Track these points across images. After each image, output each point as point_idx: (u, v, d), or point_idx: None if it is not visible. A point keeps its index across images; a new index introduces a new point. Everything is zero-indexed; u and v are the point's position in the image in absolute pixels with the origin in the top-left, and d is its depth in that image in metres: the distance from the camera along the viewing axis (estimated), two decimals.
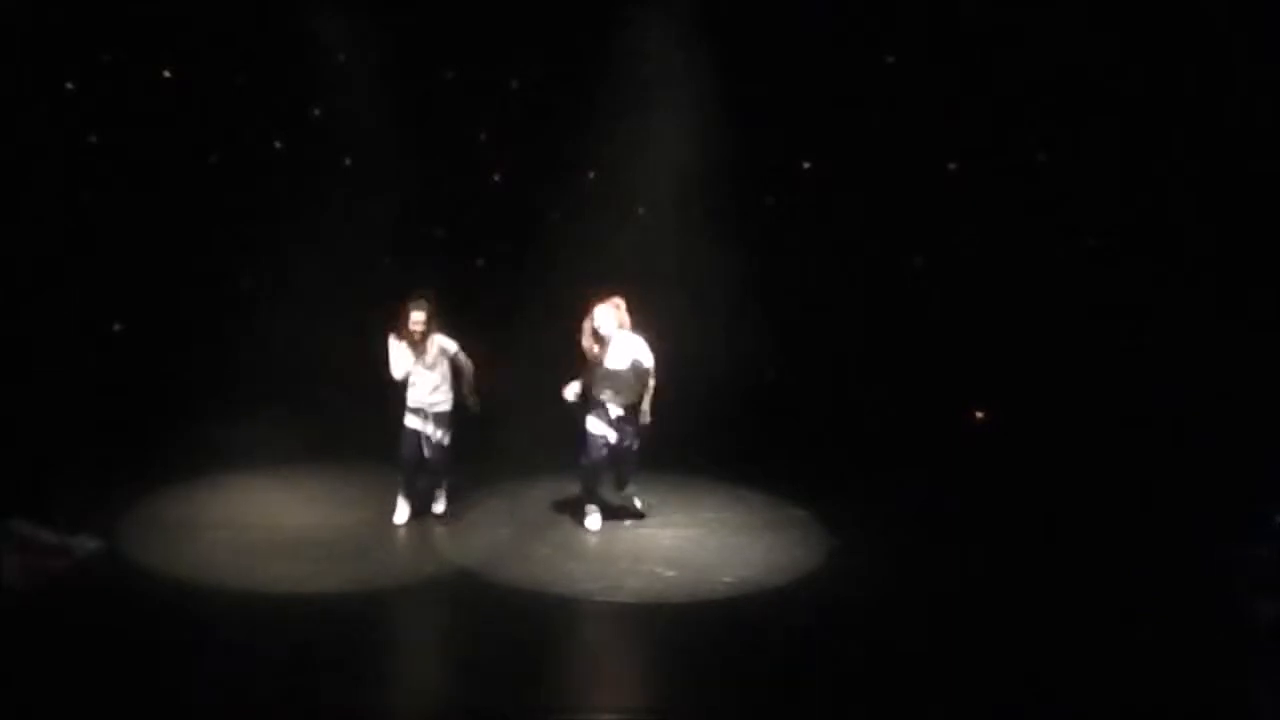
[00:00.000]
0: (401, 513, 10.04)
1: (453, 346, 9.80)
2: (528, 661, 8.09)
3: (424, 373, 9.78)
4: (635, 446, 9.96)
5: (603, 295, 9.75)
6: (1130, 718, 7.64)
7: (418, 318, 9.61)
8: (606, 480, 10.13)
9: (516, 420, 11.29)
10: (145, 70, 11.72)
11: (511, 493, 10.75)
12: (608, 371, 9.72)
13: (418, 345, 9.70)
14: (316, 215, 11.77)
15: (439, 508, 10.16)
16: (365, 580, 9.09)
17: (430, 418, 9.84)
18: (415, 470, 9.97)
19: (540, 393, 11.28)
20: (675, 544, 9.88)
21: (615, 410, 9.84)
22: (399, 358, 9.72)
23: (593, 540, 9.93)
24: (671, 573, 9.45)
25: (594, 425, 9.86)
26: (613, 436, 9.86)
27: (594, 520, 10.05)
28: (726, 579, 9.32)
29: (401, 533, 9.80)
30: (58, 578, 8.89)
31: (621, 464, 10.03)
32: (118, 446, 10.75)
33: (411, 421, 9.86)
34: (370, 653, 8.14)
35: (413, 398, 9.83)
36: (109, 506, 9.92)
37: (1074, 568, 9.37)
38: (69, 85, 11.60)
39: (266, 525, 9.89)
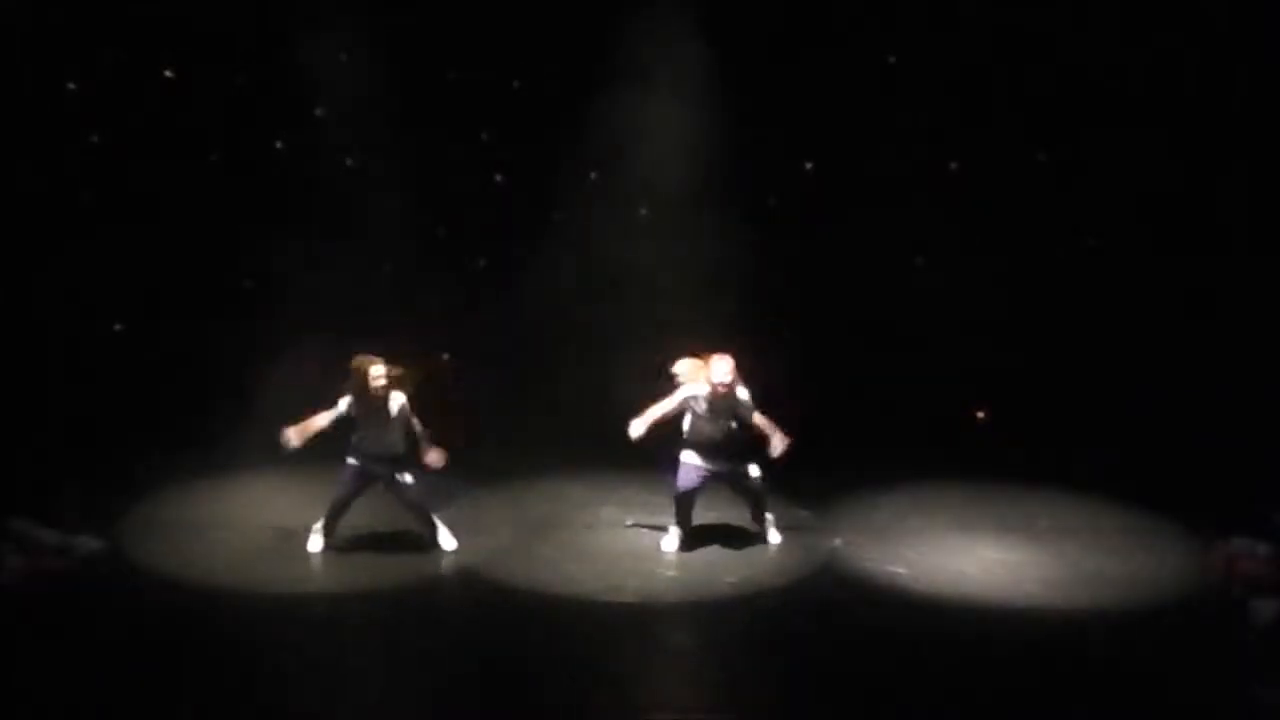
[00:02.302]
0: (315, 542, 9.51)
1: (404, 401, 9.20)
2: (528, 662, 8.10)
3: (379, 426, 9.20)
4: (753, 472, 9.50)
5: (710, 350, 9.31)
6: (1131, 718, 7.65)
7: (378, 373, 9.07)
8: (698, 507, 9.70)
9: (517, 421, 11.32)
10: (145, 70, 11.71)
11: (513, 493, 10.73)
12: (712, 424, 9.33)
13: (377, 400, 9.12)
14: (317, 215, 11.76)
15: (449, 543, 9.59)
16: (366, 581, 9.10)
17: (386, 462, 9.29)
18: (343, 510, 9.44)
19: (541, 393, 11.32)
20: (676, 544, 9.87)
21: (712, 448, 9.41)
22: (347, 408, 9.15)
23: (594, 541, 9.92)
24: (672, 573, 9.46)
25: (689, 456, 9.45)
26: (712, 467, 9.44)
27: (670, 541, 9.69)
28: (728, 579, 9.32)
29: (403, 534, 9.77)
30: (58, 578, 8.90)
31: (746, 493, 9.64)
32: (118, 446, 10.74)
33: (359, 463, 9.31)
34: (371, 654, 8.14)
35: (365, 448, 9.26)
36: (110, 506, 9.92)
37: (1074, 568, 9.39)
38: (69, 85, 11.60)
39: (268, 526, 9.87)
